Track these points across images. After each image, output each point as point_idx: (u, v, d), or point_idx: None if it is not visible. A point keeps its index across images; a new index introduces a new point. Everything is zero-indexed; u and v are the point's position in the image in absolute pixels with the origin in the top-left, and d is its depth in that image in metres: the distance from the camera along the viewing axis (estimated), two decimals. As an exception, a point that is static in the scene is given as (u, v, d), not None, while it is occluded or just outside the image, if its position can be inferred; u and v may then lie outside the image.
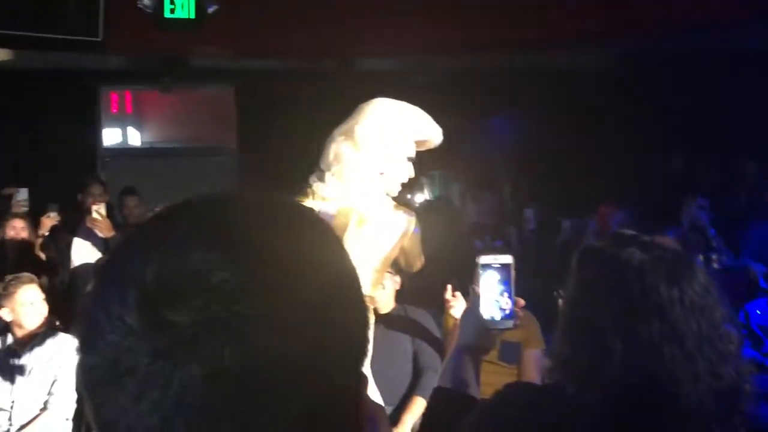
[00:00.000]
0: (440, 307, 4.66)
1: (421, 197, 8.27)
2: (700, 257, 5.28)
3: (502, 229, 6.00)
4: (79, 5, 5.92)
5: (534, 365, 4.29)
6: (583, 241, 5.61)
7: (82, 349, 0.62)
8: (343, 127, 2.96)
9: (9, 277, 4.16)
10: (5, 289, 4.04)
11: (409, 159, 2.93)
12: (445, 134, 9.07)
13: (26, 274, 4.19)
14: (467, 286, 4.20)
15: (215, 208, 0.65)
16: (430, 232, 6.23)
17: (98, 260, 4.85)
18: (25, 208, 5.76)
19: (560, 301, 1.44)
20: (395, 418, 3.99)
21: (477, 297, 1.69)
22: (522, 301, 1.72)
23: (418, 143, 3.02)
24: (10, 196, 5.86)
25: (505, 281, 1.71)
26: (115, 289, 0.60)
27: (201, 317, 0.57)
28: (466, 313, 1.71)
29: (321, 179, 2.91)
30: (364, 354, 0.67)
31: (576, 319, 1.37)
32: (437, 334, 4.28)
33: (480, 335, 1.68)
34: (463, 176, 8.28)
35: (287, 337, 0.59)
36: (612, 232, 1.44)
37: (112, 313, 0.59)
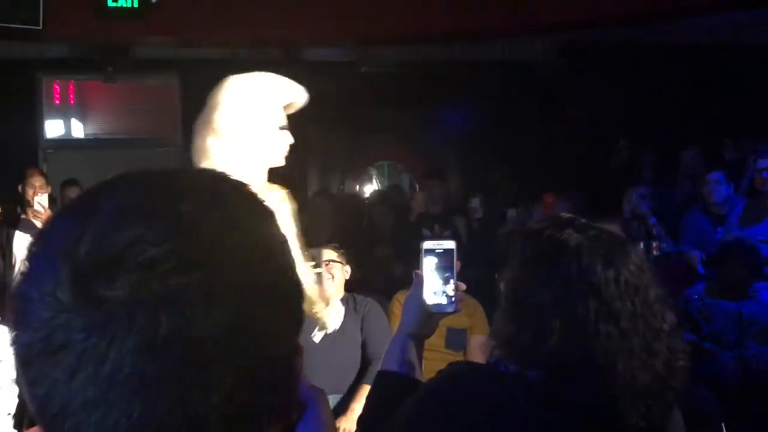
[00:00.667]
0: (388, 295, 4.70)
1: (370, 188, 8.31)
2: (641, 245, 5.42)
3: (449, 218, 6.07)
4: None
5: (481, 351, 4.36)
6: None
7: (15, 326, 0.61)
8: (202, 119, 2.89)
9: None
10: None
11: (282, 127, 2.89)
12: (392, 125, 9.14)
13: None
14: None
15: (145, 183, 0.66)
16: (380, 220, 6.31)
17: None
18: None
19: (501, 284, 1.47)
20: (343, 406, 4.01)
21: (420, 281, 1.70)
22: (463, 286, 1.74)
23: (285, 108, 2.99)
24: None
25: (448, 267, 1.72)
26: (47, 264, 0.60)
27: (135, 292, 0.57)
28: (409, 298, 1.72)
29: None
30: (297, 324, 0.68)
31: (518, 299, 1.41)
32: (386, 322, 4.31)
33: (423, 320, 1.70)
34: (411, 166, 8.34)
35: (219, 307, 0.59)
36: (551, 215, 1.47)
37: (44, 289, 0.59)
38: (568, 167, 7.45)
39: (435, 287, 1.71)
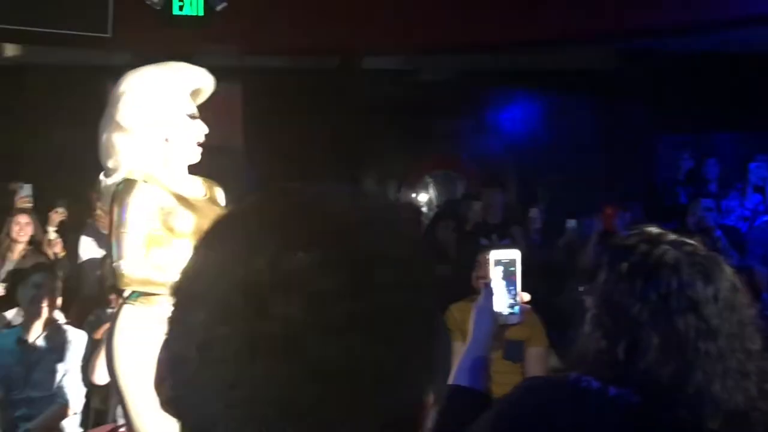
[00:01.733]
0: (445, 306, 4.68)
1: (424, 197, 8.29)
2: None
3: (508, 228, 6.01)
4: (89, 2, 5.95)
5: (538, 363, 4.30)
6: (587, 242, 5.60)
7: (172, 321, 0.62)
8: (106, 118, 2.79)
9: (22, 266, 4.20)
10: (18, 276, 4.08)
11: (192, 116, 2.77)
12: (450, 133, 9.09)
13: (38, 263, 4.23)
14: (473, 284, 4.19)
15: (317, 204, 0.66)
16: (442, 235, 6.29)
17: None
18: (29, 204, 5.77)
19: (585, 298, 1.45)
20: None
21: (490, 292, 1.69)
22: (527, 296, 1.73)
23: (194, 94, 2.86)
24: (14, 192, 5.88)
25: (513, 276, 1.72)
26: (220, 269, 0.61)
27: (308, 314, 0.58)
28: (481, 309, 1.70)
29: (107, 174, 2.76)
30: (431, 374, 0.67)
31: (610, 313, 1.39)
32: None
33: (494, 330, 1.69)
34: (468, 175, 8.29)
35: (384, 342, 0.60)
36: (638, 230, 1.45)
37: (213, 292, 0.60)
38: (630, 177, 7.33)
39: (502, 297, 1.70)
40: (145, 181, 2.72)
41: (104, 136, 2.72)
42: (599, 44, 7.83)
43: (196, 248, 0.66)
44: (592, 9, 6.88)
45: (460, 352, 4.80)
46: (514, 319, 1.71)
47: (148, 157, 2.65)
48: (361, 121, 8.05)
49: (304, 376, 0.57)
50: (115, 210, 2.64)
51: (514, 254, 1.74)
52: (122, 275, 2.70)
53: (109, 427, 3.85)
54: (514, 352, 4.29)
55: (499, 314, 1.69)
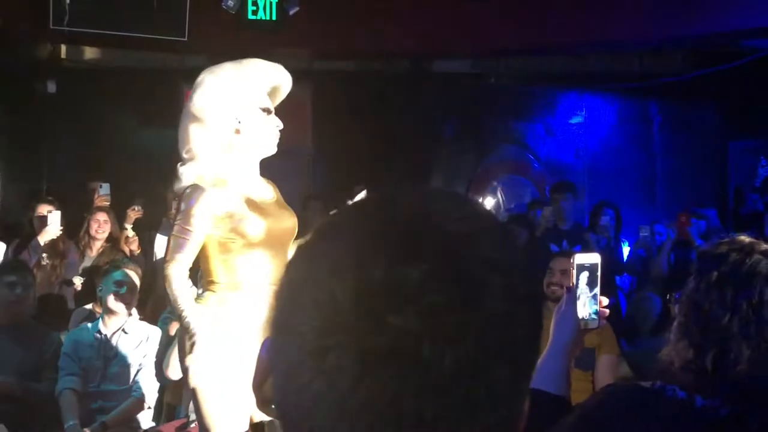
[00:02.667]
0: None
1: (492, 201, 8.23)
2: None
3: (579, 234, 5.92)
4: (167, 6, 6.10)
5: (609, 371, 4.23)
6: (660, 249, 5.47)
7: (279, 326, 0.63)
8: (185, 109, 2.78)
9: (99, 263, 4.34)
10: (109, 268, 4.20)
11: (266, 110, 2.74)
12: (520, 137, 8.94)
13: (127, 260, 4.37)
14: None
15: (426, 214, 0.66)
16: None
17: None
18: (108, 203, 5.95)
19: (673, 306, 1.43)
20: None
21: (574, 296, 1.67)
22: (606, 300, 1.71)
23: (272, 92, 2.82)
24: (93, 191, 6.07)
25: (595, 281, 1.70)
26: (330, 271, 0.61)
27: (421, 325, 0.58)
28: (564, 314, 1.68)
29: (183, 164, 2.77)
30: (528, 387, 0.68)
31: (699, 322, 1.37)
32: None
33: (577, 335, 1.67)
34: (537, 180, 8.21)
35: (493, 349, 0.60)
36: (729, 239, 1.43)
37: (322, 298, 0.60)
38: (704, 184, 7.16)
39: (584, 302, 1.68)
40: (215, 186, 2.75)
41: (180, 126, 2.77)
42: (671, 48, 7.67)
43: (300, 254, 0.66)
44: (663, 12, 6.74)
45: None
46: (594, 324, 1.69)
47: (218, 148, 2.67)
48: (430, 125, 8.06)
49: (420, 387, 0.58)
50: (178, 214, 2.67)
51: (596, 258, 1.72)
52: (167, 277, 2.74)
53: (180, 421, 3.94)
54: (585, 359, 4.23)
55: (581, 319, 1.67)
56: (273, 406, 0.65)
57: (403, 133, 7.73)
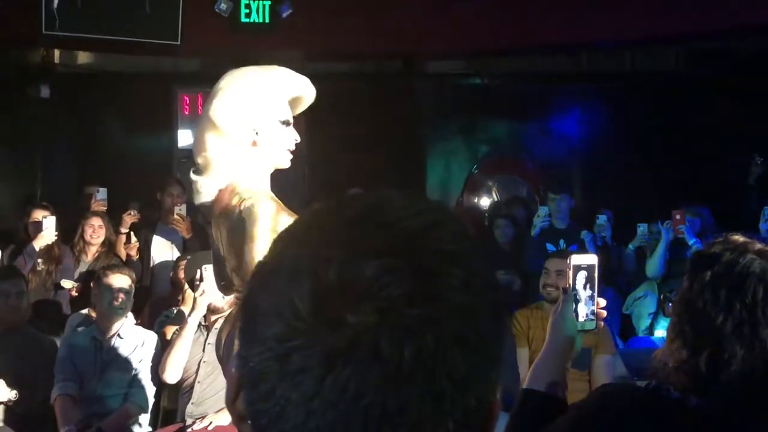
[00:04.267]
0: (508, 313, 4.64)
1: (487, 201, 8.24)
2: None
3: (575, 233, 5.92)
4: (160, 10, 6.10)
5: (605, 371, 4.24)
6: (657, 246, 5.44)
7: (244, 336, 0.64)
8: (203, 113, 2.69)
9: (107, 264, 4.33)
10: (103, 273, 4.19)
11: (285, 122, 2.68)
12: (514, 137, 8.94)
13: (123, 265, 4.36)
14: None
15: (380, 212, 0.67)
16: (499, 233, 6.26)
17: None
18: (104, 208, 5.95)
19: (669, 306, 1.44)
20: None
21: (570, 297, 1.68)
22: (603, 302, 1.71)
23: (293, 102, 2.76)
24: (90, 196, 6.07)
25: (592, 282, 1.70)
26: (287, 280, 0.62)
27: (381, 319, 0.59)
28: (560, 316, 1.69)
29: (197, 173, 2.65)
30: (500, 372, 0.68)
31: (693, 323, 1.37)
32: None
33: (574, 336, 1.67)
34: (531, 180, 8.22)
35: (454, 342, 0.61)
36: (722, 238, 1.43)
37: (281, 303, 0.61)
38: (700, 182, 7.16)
39: (581, 303, 1.69)
40: (272, 200, 2.65)
41: (197, 131, 2.68)
42: (663, 45, 7.69)
43: (262, 263, 0.67)
44: (655, 10, 6.76)
45: (525, 359, 4.75)
46: (592, 326, 1.70)
47: (234, 157, 2.60)
48: (424, 125, 8.07)
49: (381, 381, 0.58)
50: (252, 228, 2.52)
51: (593, 259, 1.73)
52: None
53: (177, 426, 3.93)
54: (581, 359, 4.23)
55: (579, 321, 1.68)
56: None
57: (397, 133, 7.73)
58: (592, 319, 1.69)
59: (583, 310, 1.69)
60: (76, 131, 7.52)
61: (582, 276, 1.70)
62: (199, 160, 2.60)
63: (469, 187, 8.29)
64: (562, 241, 5.82)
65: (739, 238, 1.43)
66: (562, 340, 1.67)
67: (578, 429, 1.44)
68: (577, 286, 1.69)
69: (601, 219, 6.01)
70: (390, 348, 0.58)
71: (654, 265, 5.63)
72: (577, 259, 1.72)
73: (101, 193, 5.96)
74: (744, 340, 1.30)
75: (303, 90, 2.71)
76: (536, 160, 8.26)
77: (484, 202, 8.27)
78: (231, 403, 0.69)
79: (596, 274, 1.71)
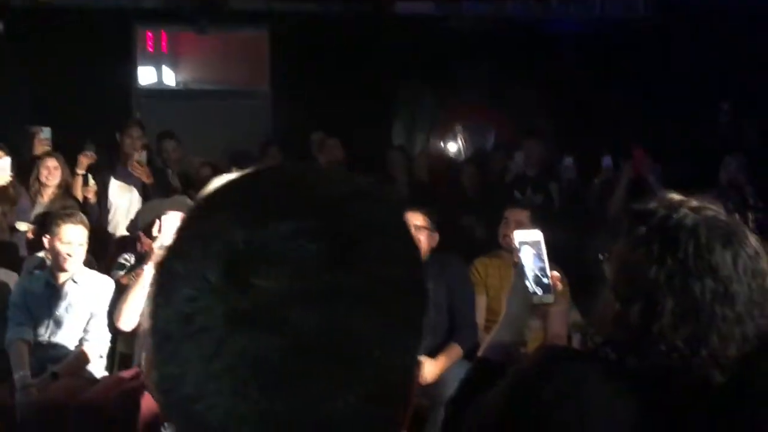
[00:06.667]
0: (468, 260, 4.66)
1: (454, 147, 8.20)
2: (736, 216, 5.17)
3: (543, 182, 5.89)
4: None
5: (560, 320, 4.28)
6: (619, 186, 5.37)
7: (155, 300, 0.62)
8: None
9: (61, 211, 4.25)
10: (55, 223, 4.09)
11: None
12: (482, 82, 8.89)
13: (77, 213, 4.27)
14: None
15: (299, 178, 0.66)
16: (468, 181, 6.23)
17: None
18: (48, 147, 5.80)
19: (604, 263, 1.44)
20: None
21: (522, 272, 1.70)
22: (558, 275, 1.74)
23: None
24: (34, 135, 5.91)
25: (540, 256, 1.73)
26: (199, 243, 0.61)
27: (288, 285, 0.57)
28: (513, 290, 1.72)
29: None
30: (421, 338, 0.67)
31: (627, 277, 1.38)
32: (471, 286, 4.29)
33: (527, 309, 1.70)
34: (499, 126, 8.17)
35: (367, 309, 0.59)
36: (659, 197, 1.44)
37: (192, 267, 0.60)
38: (667, 129, 7.16)
39: (533, 277, 1.71)
40: None
41: None
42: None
43: (180, 228, 0.66)
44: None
45: (483, 306, 4.78)
46: (549, 299, 1.72)
47: None
48: (391, 69, 7.95)
49: (285, 347, 0.57)
50: None
51: (537, 235, 1.76)
52: None
53: (133, 371, 3.92)
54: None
55: (534, 294, 1.70)
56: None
57: (363, 76, 7.62)
58: (549, 294, 1.71)
59: (536, 283, 1.70)
60: (30, 69, 7.30)
61: (529, 251, 1.72)
62: None
63: (436, 132, 8.23)
64: (529, 189, 5.79)
65: (675, 196, 1.44)
66: (514, 312, 1.70)
67: (517, 391, 1.43)
68: (525, 262, 1.71)
69: (567, 161, 5.99)
70: (297, 314, 0.57)
71: (615, 204, 5.57)
72: (520, 235, 1.75)
73: (45, 132, 5.81)
74: (675, 292, 1.30)
75: None
76: (504, 105, 8.19)
77: (452, 147, 8.23)
78: (147, 376, 0.67)
79: (543, 248, 1.73)
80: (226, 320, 0.57)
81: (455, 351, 4.00)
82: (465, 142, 8.10)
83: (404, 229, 0.66)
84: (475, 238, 5.67)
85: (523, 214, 4.30)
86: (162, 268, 0.63)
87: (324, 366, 0.58)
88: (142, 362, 3.88)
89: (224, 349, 0.57)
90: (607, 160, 5.94)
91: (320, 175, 0.67)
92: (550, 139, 6.56)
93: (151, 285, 0.64)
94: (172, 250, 0.63)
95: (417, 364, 0.66)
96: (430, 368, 3.88)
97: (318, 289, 0.58)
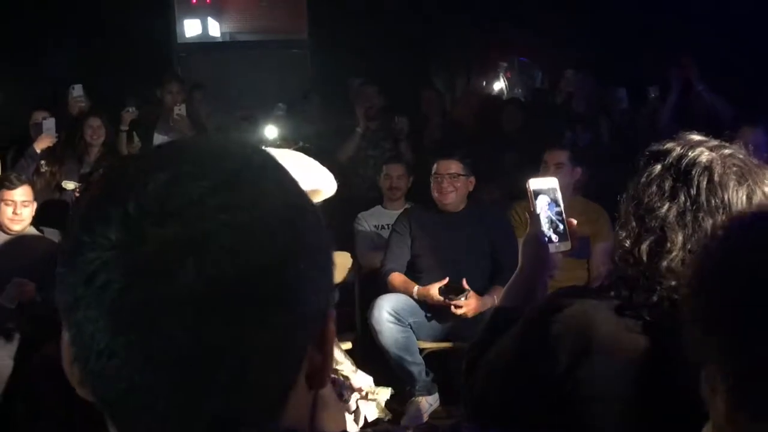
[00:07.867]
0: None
1: (498, 85, 8.00)
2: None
3: (593, 118, 5.74)
4: None
5: (604, 257, 4.24)
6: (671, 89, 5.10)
7: (62, 268, 0.61)
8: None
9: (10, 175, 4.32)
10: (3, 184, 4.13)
11: None
12: (527, 17, 8.55)
13: (20, 177, 4.31)
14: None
15: (203, 140, 0.70)
16: (508, 123, 6.09)
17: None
18: (82, 104, 5.85)
19: (622, 200, 1.43)
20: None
21: (537, 220, 1.68)
22: (574, 222, 1.72)
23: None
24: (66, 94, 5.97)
25: (556, 203, 1.71)
26: (103, 210, 0.60)
27: (181, 232, 0.57)
28: (528, 238, 1.70)
29: None
30: (331, 284, 0.67)
31: (639, 214, 1.38)
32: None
33: (543, 256, 1.67)
34: (545, 62, 7.95)
35: (263, 250, 0.59)
36: (679, 137, 1.43)
37: (96, 232, 0.59)
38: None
39: (549, 225, 1.70)
40: None
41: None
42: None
43: (84, 203, 0.65)
44: None
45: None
46: (566, 247, 1.70)
47: None
48: (430, 14, 7.77)
49: (179, 299, 0.57)
50: None
51: (553, 182, 1.73)
52: None
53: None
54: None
55: (551, 242, 1.68)
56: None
57: (401, 22, 7.48)
58: (565, 240, 1.69)
59: (551, 231, 1.69)
60: (76, 30, 7.34)
61: (544, 199, 1.70)
62: None
63: (478, 70, 8.02)
64: (579, 127, 5.65)
65: (695, 136, 1.43)
66: (529, 261, 1.68)
67: (528, 332, 1.46)
68: (540, 209, 1.69)
69: (620, 92, 5.84)
70: (189, 267, 0.57)
71: (666, 111, 5.39)
72: (535, 183, 1.72)
73: (77, 90, 5.86)
74: (686, 227, 1.31)
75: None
76: (551, 40, 7.94)
77: (496, 86, 8.04)
78: (68, 366, 0.66)
79: (559, 195, 1.71)
80: (125, 272, 0.57)
81: (499, 293, 4.00)
82: (509, 80, 7.91)
83: (294, 185, 0.66)
84: (517, 178, 5.57)
85: (563, 155, 4.24)
86: (69, 238, 0.62)
87: (222, 317, 0.57)
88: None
89: (124, 302, 0.57)
90: (653, 89, 5.78)
91: (229, 138, 0.70)
92: (597, 72, 6.38)
93: (60, 251, 0.63)
94: (77, 221, 0.62)
95: (324, 309, 0.65)
96: (474, 307, 3.94)
97: (210, 230, 0.58)
